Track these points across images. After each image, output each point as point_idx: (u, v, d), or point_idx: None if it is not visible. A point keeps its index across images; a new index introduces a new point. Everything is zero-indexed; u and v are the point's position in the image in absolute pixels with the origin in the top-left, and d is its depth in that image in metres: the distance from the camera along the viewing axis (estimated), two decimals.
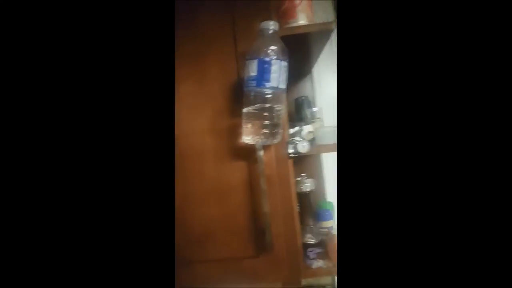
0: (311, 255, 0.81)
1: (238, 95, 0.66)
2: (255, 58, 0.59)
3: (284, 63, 0.61)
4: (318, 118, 0.91)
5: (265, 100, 0.61)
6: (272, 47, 0.59)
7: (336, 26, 0.72)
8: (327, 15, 1.07)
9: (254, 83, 0.60)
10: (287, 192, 0.71)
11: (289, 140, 0.74)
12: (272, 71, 0.59)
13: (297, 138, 0.73)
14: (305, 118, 0.96)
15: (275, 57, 0.59)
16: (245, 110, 0.63)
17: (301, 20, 0.79)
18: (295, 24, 0.78)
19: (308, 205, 0.91)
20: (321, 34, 0.77)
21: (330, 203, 0.98)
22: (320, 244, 0.87)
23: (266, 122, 0.62)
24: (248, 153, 0.70)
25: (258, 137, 0.62)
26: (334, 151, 0.75)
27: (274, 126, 0.63)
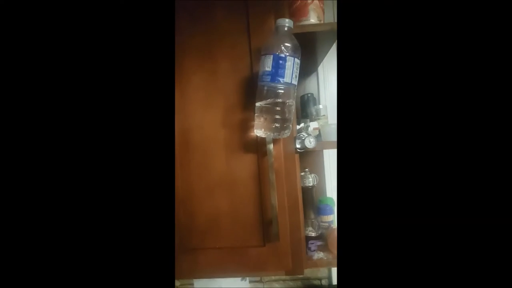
0: (312, 247, 0.84)
1: (250, 89, 0.68)
2: (270, 54, 0.61)
3: (297, 61, 0.63)
4: (323, 115, 0.94)
5: (278, 95, 0.63)
6: (287, 44, 0.62)
7: None
8: (335, 15, 1.09)
9: (268, 78, 0.62)
10: (293, 185, 0.74)
11: (296, 136, 0.76)
12: (286, 67, 0.61)
13: (303, 134, 0.76)
14: (310, 115, 0.98)
15: (289, 54, 0.61)
16: (258, 104, 0.65)
17: (312, 19, 0.81)
18: (306, 23, 0.80)
19: (310, 200, 0.94)
20: (329, 34, 0.79)
21: (331, 198, 1.01)
22: (320, 237, 0.90)
23: (278, 116, 0.64)
24: (257, 147, 0.72)
25: (269, 131, 0.65)
26: None
27: (285, 120, 0.65)
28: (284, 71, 0.61)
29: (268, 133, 0.65)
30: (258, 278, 1.13)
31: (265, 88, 0.63)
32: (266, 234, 0.72)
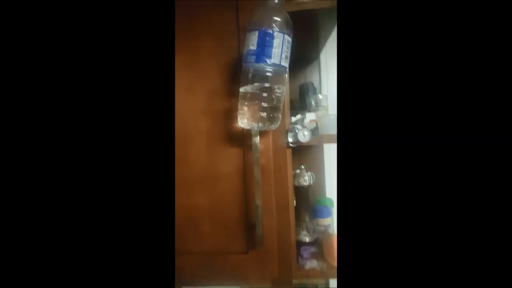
0: (305, 254, 0.75)
1: (237, 73, 0.59)
2: (255, 30, 0.52)
3: (288, 38, 0.53)
4: (323, 106, 0.84)
5: (265, 79, 0.54)
6: (276, 18, 0.52)
7: None
8: None
9: (253, 59, 0.52)
10: (283, 184, 0.65)
11: (289, 128, 0.67)
12: (274, 45, 0.51)
13: (298, 126, 0.66)
14: (309, 106, 0.89)
15: (278, 29, 0.52)
16: (242, 89, 0.56)
17: None
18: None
19: (305, 200, 0.84)
20: (330, 14, 0.69)
21: (330, 199, 0.92)
22: (315, 243, 0.81)
23: (265, 104, 0.54)
24: (243, 139, 0.63)
25: (255, 121, 0.55)
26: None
27: (273, 109, 0.56)
28: (271, 50, 0.51)
29: (253, 124, 0.56)
30: None
31: (250, 70, 0.54)
32: (250, 238, 0.64)
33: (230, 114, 0.63)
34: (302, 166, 0.85)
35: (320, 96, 0.85)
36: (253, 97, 0.55)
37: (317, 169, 0.98)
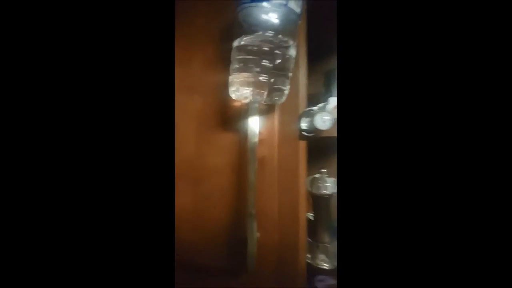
0: (320, 285, 0.56)
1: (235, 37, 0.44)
2: None
3: None
4: None
5: (268, 27, 0.38)
6: None
7: None
8: None
9: None
10: (292, 187, 0.47)
11: (302, 113, 0.49)
12: None
13: (315, 109, 0.49)
14: (335, 95, 0.71)
15: None
16: (235, 44, 0.40)
17: None
18: None
19: (325, 214, 0.65)
20: None
21: None
22: (336, 272, 0.61)
23: (266, 63, 0.38)
24: (238, 125, 0.47)
25: (250, 89, 0.39)
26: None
27: (278, 73, 0.39)
28: None
29: (247, 93, 0.40)
30: None
31: (246, 15, 0.38)
32: (240, 257, 0.46)
33: (224, 90, 0.48)
34: (324, 170, 0.66)
35: None
36: (249, 54, 0.39)
37: None
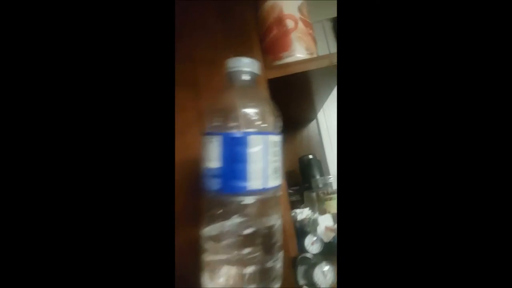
0: None
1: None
2: (217, 134, 0.30)
3: (275, 138, 0.31)
4: (334, 192, 0.60)
5: (243, 212, 0.30)
6: (249, 109, 0.30)
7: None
8: (329, 46, 0.81)
9: (217, 185, 0.29)
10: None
11: (298, 259, 0.42)
12: (250, 158, 0.29)
13: (307, 241, 0.42)
14: (315, 188, 0.66)
15: (256, 128, 0.30)
16: (206, 231, 0.32)
17: (299, 53, 0.51)
18: (289, 60, 0.50)
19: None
20: (327, 71, 0.50)
21: None
22: None
23: (248, 252, 0.31)
24: None
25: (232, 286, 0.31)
26: None
27: (264, 259, 0.32)
28: (246, 167, 0.29)
29: None
30: None
31: (216, 200, 0.31)
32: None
33: None
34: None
35: (330, 178, 0.61)
36: (225, 242, 0.31)
37: None
